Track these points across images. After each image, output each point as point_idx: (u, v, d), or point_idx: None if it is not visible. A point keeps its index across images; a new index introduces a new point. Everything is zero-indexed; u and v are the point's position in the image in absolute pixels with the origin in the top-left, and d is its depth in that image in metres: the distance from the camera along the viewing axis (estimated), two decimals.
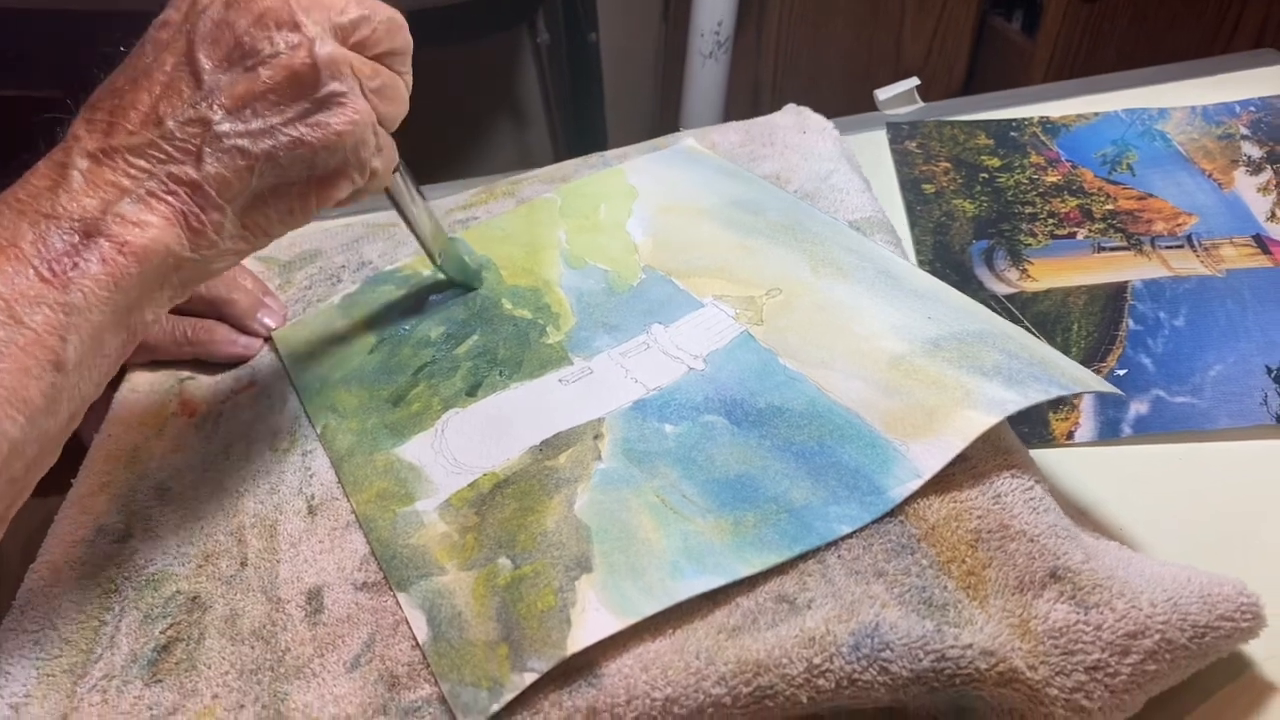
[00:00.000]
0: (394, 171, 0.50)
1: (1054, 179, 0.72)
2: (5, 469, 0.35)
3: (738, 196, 0.63)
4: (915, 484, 0.41)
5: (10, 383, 0.34)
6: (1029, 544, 0.39)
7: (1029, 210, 0.70)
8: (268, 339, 0.59)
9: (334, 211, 0.78)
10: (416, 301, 0.60)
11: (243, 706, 0.39)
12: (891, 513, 0.41)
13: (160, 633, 0.43)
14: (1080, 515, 0.48)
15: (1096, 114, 0.79)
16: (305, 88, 0.40)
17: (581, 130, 1.63)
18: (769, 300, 0.53)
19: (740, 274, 0.55)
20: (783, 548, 0.40)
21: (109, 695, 0.41)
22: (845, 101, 0.88)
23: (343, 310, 0.60)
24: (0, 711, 0.40)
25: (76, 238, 0.36)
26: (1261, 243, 0.63)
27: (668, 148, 0.71)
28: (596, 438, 0.47)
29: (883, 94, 0.85)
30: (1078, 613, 0.37)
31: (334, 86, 0.40)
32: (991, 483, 0.41)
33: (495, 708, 0.36)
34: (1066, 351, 0.56)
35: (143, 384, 0.57)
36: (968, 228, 0.69)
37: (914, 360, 0.47)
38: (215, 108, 0.39)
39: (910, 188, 0.74)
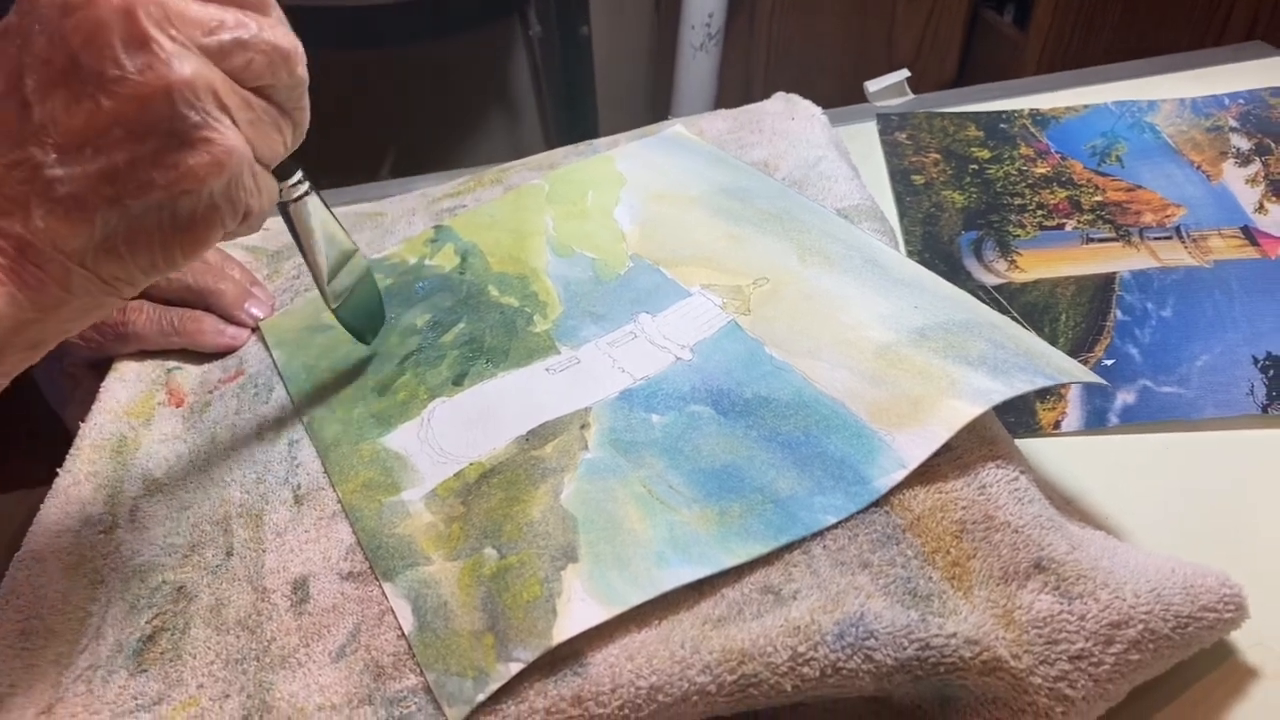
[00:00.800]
0: (301, 199, 0.46)
1: (1043, 170, 0.72)
2: None
3: (726, 184, 0.63)
4: (900, 474, 0.41)
5: None
6: (1013, 534, 0.39)
7: (1018, 201, 0.70)
8: (255, 329, 0.59)
9: None
10: (403, 289, 0.59)
11: (228, 696, 0.39)
12: (877, 503, 0.41)
13: (146, 623, 0.43)
14: (1066, 505, 0.48)
15: (1086, 106, 0.79)
16: (158, 119, 0.33)
17: (573, 122, 1.62)
18: (756, 289, 0.53)
19: (728, 263, 0.55)
20: (768, 538, 0.40)
21: (94, 685, 0.40)
22: (837, 94, 0.88)
23: None
24: None
25: None
26: (1249, 234, 0.64)
27: (656, 135, 0.71)
28: (583, 427, 0.47)
29: (873, 86, 0.85)
30: (1062, 603, 0.37)
31: (193, 118, 0.33)
32: (977, 473, 0.41)
33: (480, 697, 0.36)
34: (1054, 342, 0.56)
35: (130, 374, 0.57)
36: (957, 219, 0.69)
37: (900, 350, 0.47)
38: (46, 146, 0.32)
39: (900, 179, 0.74)
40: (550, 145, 0.73)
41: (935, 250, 0.66)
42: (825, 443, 0.43)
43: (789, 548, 0.40)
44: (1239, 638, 0.41)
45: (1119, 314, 0.59)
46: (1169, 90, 0.80)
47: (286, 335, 0.58)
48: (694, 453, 0.44)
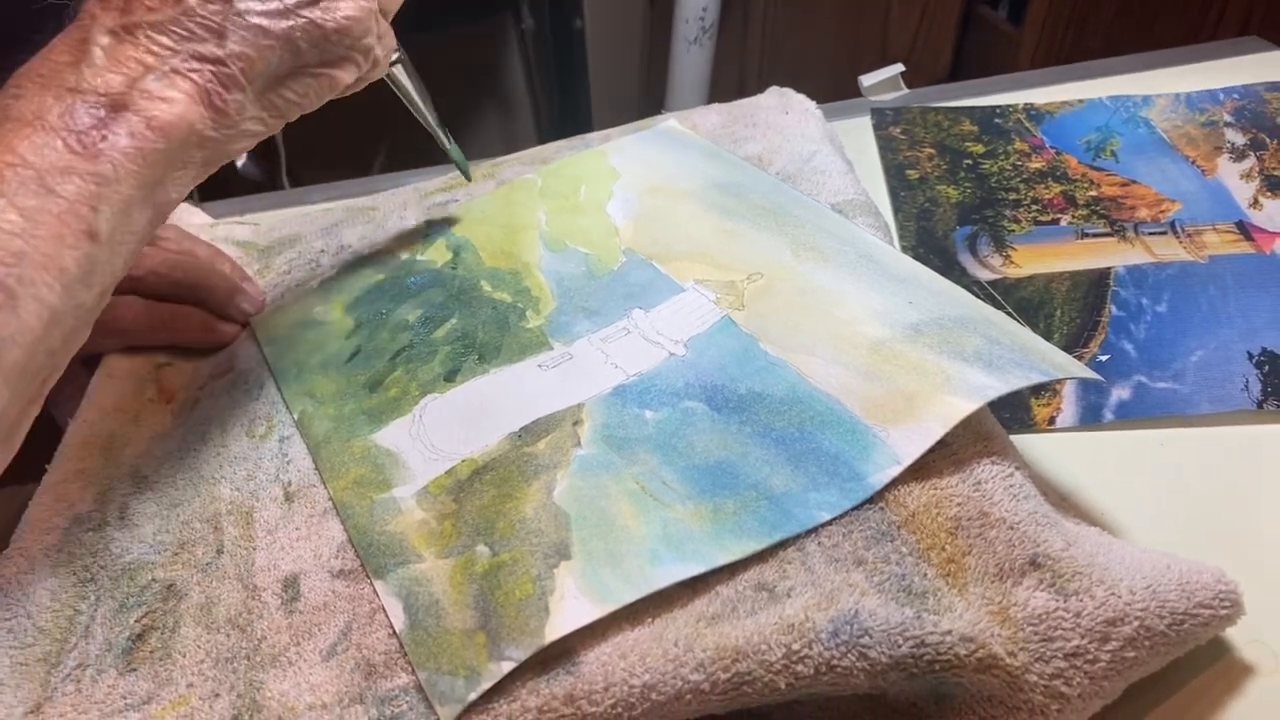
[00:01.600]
0: (396, 63, 0.53)
1: (1038, 165, 0.72)
2: (44, 339, 0.36)
3: (720, 179, 0.62)
4: (895, 470, 0.41)
5: (47, 250, 0.35)
6: (1009, 531, 0.39)
7: (1013, 196, 0.69)
8: (246, 324, 0.59)
9: (313, 196, 0.78)
10: (395, 285, 0.59)
11: (218, 695, 0.39)
12: (871, 499, 0.41)
13: (135, 621, 0.42)
14: (1061, 501, 0.48)
15: (1081, 101, 0.79)
16: None
17: (566, 116, 1.62)
18: (750, 285, 0.52)
19: (722, 258, 0.55)
20: (762, 535, 0.40)
21: (83, 684, 0.40)
22: (831, 88, 0.88)
23: (321, 294, 0.60)
24: None
25: (103, 112, 0.37)
26: (1244, 229, 0.63)
27: (650, 129, 0.71)
28: (576, 424, 0.46)
29: (867, 80, 0.85)
30: (1057, 600, 0.37)
31: None
32: (972, 469, 0.41)
33: (472, 696, 0.36)
34: (1049, 338, 0.56)
35: (120, 369, 0.56)
36: (951, 214, 0.69)
37: (895, 345, 0.46)
38: None
39: (894, 174, 0.73)
40: (543, 140, 0.73)
41: (930, 245, 0.66)
42: (819, 439, 0.43)
43: (783, 544, 0.40)
44: (1235, 635, 0.41)
45: (1114, 309, 0.59)
46: (1164, 85, 0.80)
47: (277, 331, 0.57)
48: (688, 449, 0.44)
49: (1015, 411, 0.53)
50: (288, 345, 0.56)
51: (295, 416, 0.51)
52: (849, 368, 0.46)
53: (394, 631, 0.39)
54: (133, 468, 0.50)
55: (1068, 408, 0.53)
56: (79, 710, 0.39)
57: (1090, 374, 0.44)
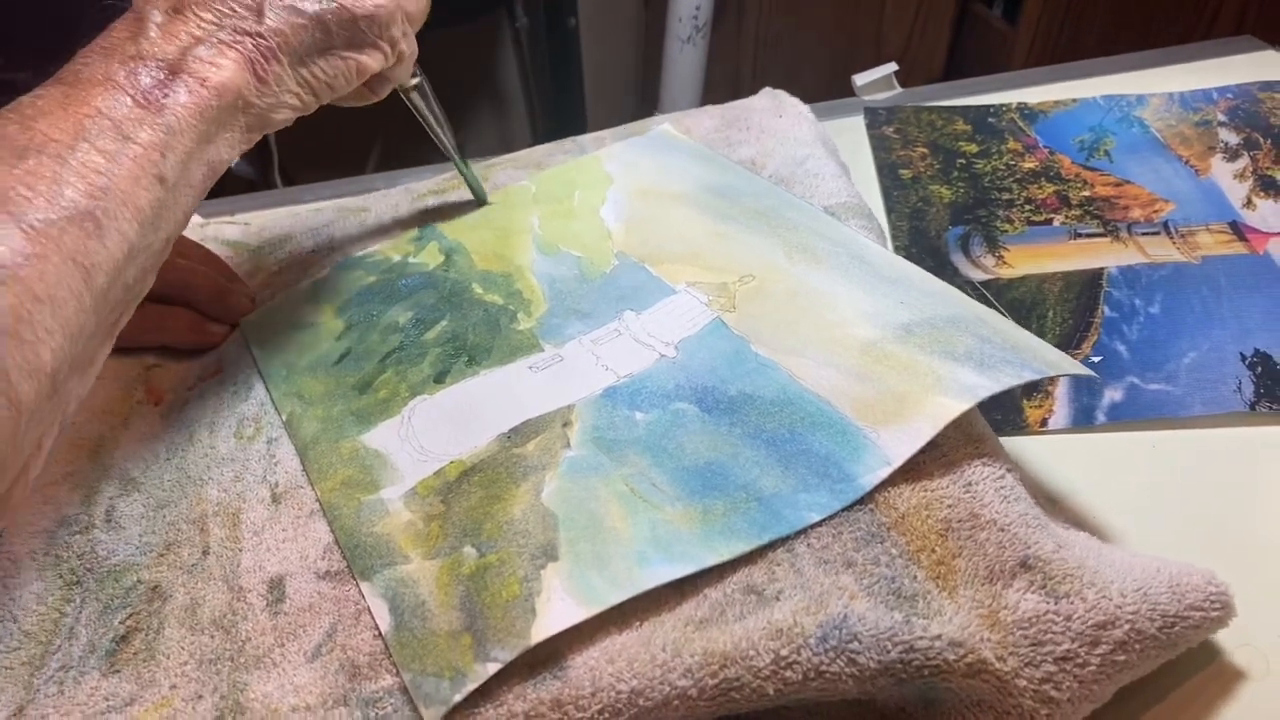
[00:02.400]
0: (416, 87, 0.58)
1: (1031, 165, 0.72)
2: (121, 273, 0.39)
3: (713, 183, 0.62)
4: (885, 471, 0.41)
5: (125, 188, 0.38)
6: (999, 533, 0.39)
7: (1006, 196, 0.69)
8: (235, 326, 0.58)
9: (305, 195, 0.77)
10: (386, 287, 0.59)
11: (201, 697, 0.39)
12: (861, 501, 0.40)
13: (120, 623, 0.42)
14: (1053, 503, 0.47)
15: (1075, 100, 0.79)
16: None
17: (560, 115, 1.62)
18: (741, 287, 0.52)
19: (714, 260, 0.55)
20: (751, 536, 0.39)
21: (65, 686, 0.40)
22: (826, 87, 0.87)
23: (311, 296, 0.59)
24: None
25: (163, 74, 0.41)
26: (1237, 229, 0.63)
27: (644, 133, 0.70)
28: (566, 425, 0.46)
29: (861, 79, 0.85)
30: (1048, 603, 0.37)
31: None
32: (962, 471, 0.41)
33: (457, 698, 0.35)
34: (1041, 338, 0.55)
35: (108, 371, 0.56)
36: (944, 214, 0.68)
37: (885, 346, 0.46)
38: None
39: (887, 173, 0.73)
40: (537, 138, 0.73)
41: (922, 245, 0.66)
42: (810, 440, 0.43)
43: (772, 546, 0.39)
44: (1226, 638, 0.40)
45: (1107, 310, 0.58)
46: (1158, 84, 0.80)
47: (266, 333, 0.57)
48: (677, 450, 0.44)
49: (1008, 413, 0.53)
50: (277, 346, 0.56)
51: (284, 418, 0.51)
52: (840, 369, 0.46)
53: (379, 633, 0.39)
54: (120, 470, 0.50)
55: (1060, 409, 0.53)
56: (61, 712, 0.39)
57: (1082, 369, 0.44)
